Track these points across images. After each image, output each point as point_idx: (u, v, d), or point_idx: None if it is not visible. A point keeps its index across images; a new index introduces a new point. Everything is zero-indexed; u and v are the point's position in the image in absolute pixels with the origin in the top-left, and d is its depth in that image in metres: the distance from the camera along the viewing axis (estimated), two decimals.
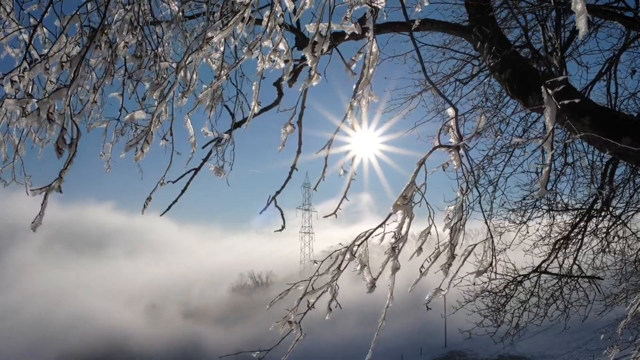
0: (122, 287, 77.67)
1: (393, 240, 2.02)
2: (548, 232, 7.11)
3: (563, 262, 6.62)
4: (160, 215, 3.59)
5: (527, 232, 7.08)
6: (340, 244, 2.14)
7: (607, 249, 6.99)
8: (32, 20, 2.69)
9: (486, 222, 2.32)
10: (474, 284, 6.44)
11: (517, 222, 7.10)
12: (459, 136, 2.01)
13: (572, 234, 6.63)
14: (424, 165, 1.96)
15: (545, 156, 6.57)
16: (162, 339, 61.41)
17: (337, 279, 2.11)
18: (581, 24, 1.43)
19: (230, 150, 3.26)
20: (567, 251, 6.65)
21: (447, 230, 2.13)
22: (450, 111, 2.04)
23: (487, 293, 6.71)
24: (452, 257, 2.08)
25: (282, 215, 3.28)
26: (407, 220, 1.98)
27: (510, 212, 7.13)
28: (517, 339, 7.15)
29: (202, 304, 76.08)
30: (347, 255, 2.09)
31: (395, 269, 2.03)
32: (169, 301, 75.59)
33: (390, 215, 2.00)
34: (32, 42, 2.43)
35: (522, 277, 6.58)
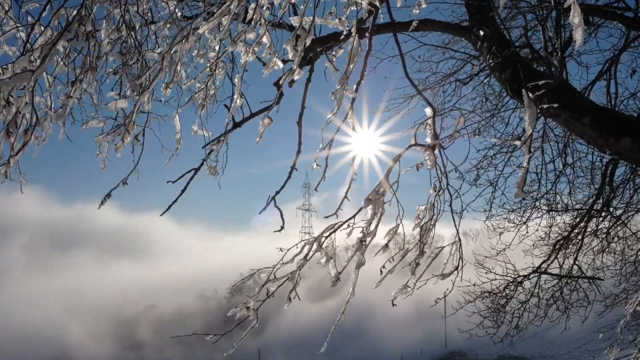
0: (120, 289, 76.71)
1: (361, 234, 2.02)
2: (548, 232, 7.11)
3: (563, 263, 6.61)
4: (160, 215, 3.59)
5: (527, 233, 7.08)
6: (308, 233, 2.12)
7: (607, 250, 6.98)
8: (30, 18, 2.69)
9: (455, 226, 2.32)
10: (474, 284, 6.43)
11: (517, 222, 7.09)
12: (435, 136, 2.01)
13: (572, 235, 6.62)
14: (399, 162, 1.96)
15: (546, 157, 6.58)
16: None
17: (300, 269, 2.11)
18: (578, 36, 1.53)
19: (225, 150, 3.26)
20: (567, 252, 6.64)
21: (417, 230, 2.14)
22: (428, 110, 2.05)
23: (487, 294, 6.70)
24: (421, 254, 2.09)
25: (281, 215, 3.27)
26: (377, 215, 1.98)
27: (510, 212, 7.12)
28: (517, 339, 7.14)
29: (201, 306, 75.51)
30: (314, 246, 2.08)
31: (360, 264, 2.02)
32: (166, 303, 74.70)
33: (360, 209, 2.01)
34: (30, 41, 2.42)
35: (522, 277, 6.58)
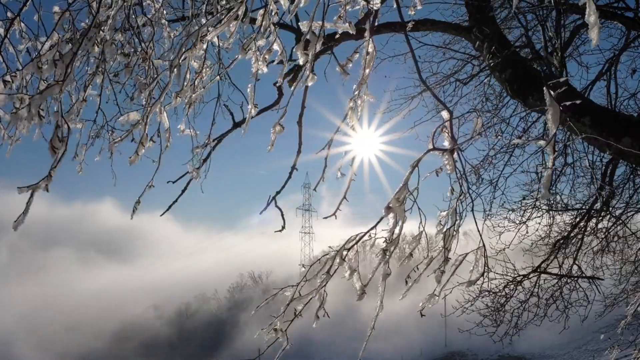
0: (119, 289, 75.65)
1: (384, 244, 1.97)
2: (548, 232, 7.11)
3: (563, 262, 6.61)
4: (160, 215, 3.60)
5: (527, 232, 7.08)
6: (329, 247, 2.08)
7: (606, 249, 6.99)
8: (9, 13, 2.65)
9: (478, 231, 2.28)
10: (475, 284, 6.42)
11: (517, 222, 7.09)
12: (453, 139, 1.98)
13: (572, 234, 6.63)
14: (417, 168, 1.93)
15: (546, 157, 6.59)
16: None
17: (325, 284, 2.05)
18: (594, 35, 1.50)
19: (209, 152, 3.26)
20: (566, 251, 6.65)
21: (440, 236, 2.09)
22: (445, 114, 2.02)
23: (486, 293, 6.71)
24: (446, 262, 2.05)
25: (282, 215, 3.28)
26: (399, 223, 1.94)
27: (510, 212, 7.12)
28: (516, 338, 7.14)
29: (201, 306, 74.94)
30: (337, 260, 2.03)
31: (386, 274, 1.97)
32: (166, 303, 73.80)
33: (382, 218, 1.96)
34: (9, 36, 2.40)
35: (521, 277, 6.58)
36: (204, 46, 2.48)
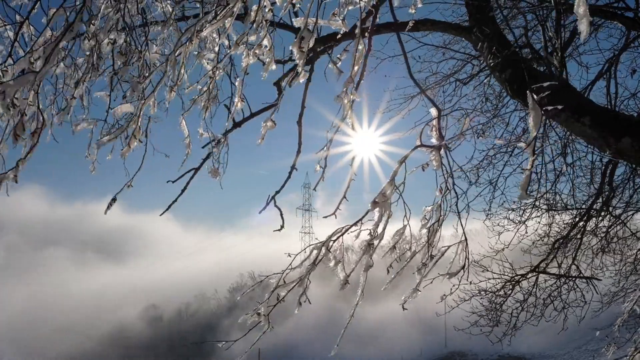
0: (120, 289, 75.26)
1: (369, 236, 2.02)
2: (547, 232, 7.11)
3: (562, 262, 6.61)
4: (160, 215, 3.60)
5: (526, 232, 7.08)
6: (316, 238, 2.12)
7: (606, 249, 6.98)
8: (18, 17, 2.66)
9: (462, 225, 2.31)
10: (470, 283, 6.42)
11: (516, 221, 7.09)
12: (441, 136, 2.00)
13: (571, 234, 6.62)
14: (404, 164, 1.96)
15: (546, 157, 6.59)
16: None
17: (310, 273, 2.11)
18: (583, 27, 1.39)
19: (225, 151, 3.27)
20: (566, 251, 6.65)
21: (424, 231, 2.13)
22: (433, 111, 2.04)
23: (484, 292, 6.70)
24: (430, 257, 2.08)
25: (281, 215, 3.28)
26: (384, 217, 1.98)
27: (510, 211, 7.12)
28: (514, 338, 7.14)
29: (201, 306, 74.71)
30: (322, 250, 2.08)
31: (368, 266, 2.02)
32: (166, 303, 73.48)
33: (368, 212, 2.00)
34: (18, 39, 2.40)
35: (520, 277, 6.58)
36: (216, 48, 2.48)
